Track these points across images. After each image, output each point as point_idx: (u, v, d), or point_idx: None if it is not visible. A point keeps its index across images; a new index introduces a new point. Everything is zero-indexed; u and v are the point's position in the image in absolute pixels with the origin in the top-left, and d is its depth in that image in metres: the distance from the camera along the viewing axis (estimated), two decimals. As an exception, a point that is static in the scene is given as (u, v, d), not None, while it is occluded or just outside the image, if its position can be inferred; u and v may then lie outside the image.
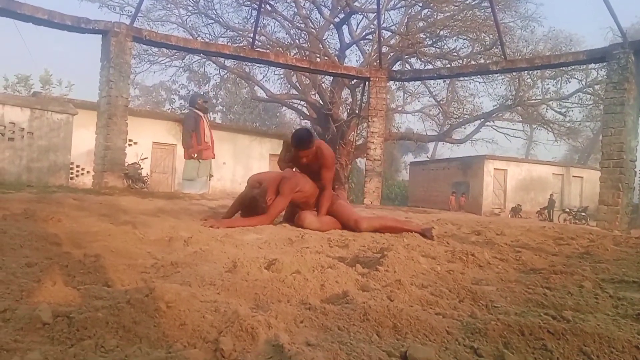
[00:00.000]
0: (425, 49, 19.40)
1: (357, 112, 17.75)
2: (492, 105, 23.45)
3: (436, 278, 2.02)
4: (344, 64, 18.01)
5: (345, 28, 20.58)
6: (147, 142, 17.88)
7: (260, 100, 25.37)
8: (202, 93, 22.17)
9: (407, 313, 1.26)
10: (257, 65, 18.51)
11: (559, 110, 24.41)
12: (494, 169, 26.27)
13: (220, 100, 34.16)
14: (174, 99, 35.55)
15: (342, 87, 20.43)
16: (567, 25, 68.24)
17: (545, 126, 24.58)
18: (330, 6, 20.54)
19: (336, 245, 2.98)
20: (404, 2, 19.52)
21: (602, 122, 9.71)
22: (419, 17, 19.71)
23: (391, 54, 19.44)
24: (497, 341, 1.17)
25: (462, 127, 24.66)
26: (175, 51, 17.75)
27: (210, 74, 25.45)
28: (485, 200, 25.82)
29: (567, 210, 23.82)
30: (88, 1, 18.60)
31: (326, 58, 18.37)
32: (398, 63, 19.63)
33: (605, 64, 9.85)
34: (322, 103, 20.73)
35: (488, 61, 16.39)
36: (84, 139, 13.02)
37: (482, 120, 23.60)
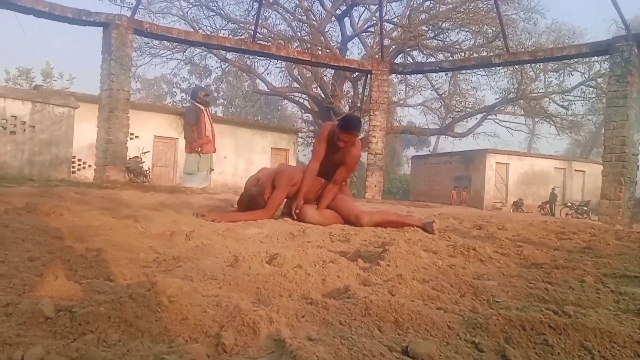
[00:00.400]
0: (428, 41, 19.34)
1: (358, 105, 17.71)
2: (494, 99, 23.45)
3: (437, 272, 2.02)
4: (346, 57, 17.95)
5: (347, 20, 20.53)
6: (148, 135, 17.88)
7: (262, 94, 25.35)
8: (203, 86, 22.13)
9: (408, 308, 1.26)
10: (259, 58, 18.50)
11: (561, 103, 24.35)
12: (496, 162, 26.23)
13: (221, 93, 34.15)
14: (175, 92, 35.62)
15: (344, 80, 20.39)
16: (570, 18, 67.91)
17: (547, 120, 24.52)
18: (332, -2, 20.48)
19: (338, 239, 2.98)
20: (406, -6, 19.44)
21: (605, 115, 9.68)
22: (421, 9, 19.64)
23: (393, 47, 19.38)
24: (499, 336, 1.17)
25: (464, 120, 24.63)
26: (176, 44, 17.73)
27: (212, 66, 25.47)
28: (487, 194, 25.80)
29: (569, 204, 23.81)
30: (89, -6, 18.57)
31: (328, 51, 18.32)
32: (400, 56, 19.57)
33: (608, 56, 9.80)
34: (323, 96, 20.70)
35: (490, 54, 16.33)
36: (85, 132, 13.03)
37: (484, 113, 23.55)
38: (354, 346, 1.03)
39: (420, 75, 20.94)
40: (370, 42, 20.18)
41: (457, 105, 22.74)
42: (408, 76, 20.72)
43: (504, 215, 6.94)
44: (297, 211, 3.92)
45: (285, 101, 29.48)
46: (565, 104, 24.28)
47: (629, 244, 3.54)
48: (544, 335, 1.17)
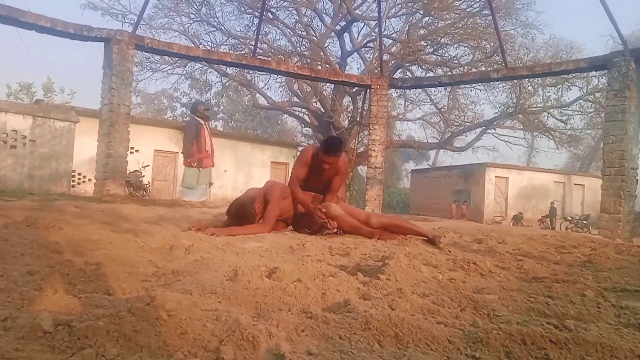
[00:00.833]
0: (426, 56, 19.48)
1: (358, 119, 17.78)
2: (493, 113, 23.51)
3: (438, 287, 2.01)
4: (345, 72, 18.07)
5: (346, 36, 20.71)
6: (148, 149, 17.93)
7: (262, 108, 25.46)
8: (203, 101, 22.25)
9: (408, 322, 1.26)
10: (259, 73, 18.60)
11: (560, 117, 24.43)
12: (495, 176, 26.26)
13: (221, 107, 34.33)
14: (175, 106, 35.76)
15: (343, 94, 20.50)
16: (568, 33, 68.60)
17: (546, 134, 24.57)
18: (332, 14, 20.66)
19: (337, 253, 2.97)
20: (405, 9, 19.63)
21: (603, 129, 9.71)
22: (420, 24, 19.81)
23: (392, 62, 19.52)
24: (499, 350, 1.16)
25: (463, 134, 24.68)
26: (177, 59, 17.85)
27: (212, 81, 25.61)
28: (486, 208, 25.78)
29: (569, 218, 23.78)
30: (91, 9, 18.80)
31: (327, 66, 18.45)
32: (399, 71, 19.71)
33: (606, 71, 9.86)
34: (323, 111, 20.79)
35: (489, 69, 16.44)
36: (85, 146, 13.05)
37: (483, 127, 23.62)
38: (354, 361, 1.02)
39: (419, 90, 21.04)
40: (369, 57, 20.32)
41: (456, 120, 22.81)
42: (407, 91, 20.84)
43: (504, 229, 6.92)
44: (323, 210, 3.96)
45: (285, 115, 29.64)
46: (564, 118, 24.37)
47: (629, 257, 3.53)
48: (544, 349, 1.16)
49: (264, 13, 15.27)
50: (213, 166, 8.36)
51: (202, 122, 8.01)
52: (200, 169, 7.98)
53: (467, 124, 22.82)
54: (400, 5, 19.47)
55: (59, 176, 11.57)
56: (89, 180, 14.96)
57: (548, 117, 24.30)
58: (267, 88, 24.35)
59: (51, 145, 11.44)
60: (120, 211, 4.59)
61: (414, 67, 19.93)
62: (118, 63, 9.40)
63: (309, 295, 1.60)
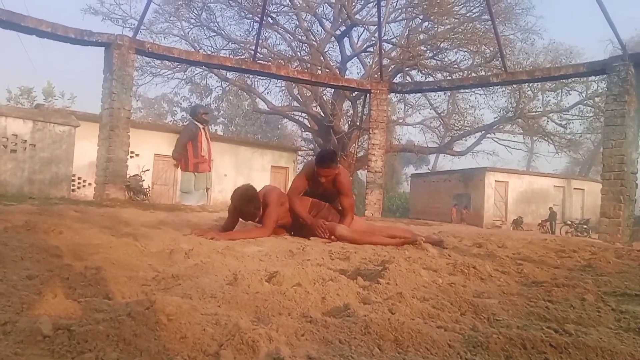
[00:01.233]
0: (426, 61, 19.53)
1: (358, 124, 17.81)
2: (492, 118, 23.57)
3: (437, 291, 2.01)
4: (345, 76, 18.11)
5: (346, 40, 20.78)
6: (148, 154, 17.93)
7: (262, 112, 25.51)
8: (203, 105, 22.27)
9: (408, 326, 1.26)
10: (259, 77, 18.64)
11: (559, 122, 24.47)
12: (495, 181, 26.26)
13: (222, 112, 34.38)
14: (175, 111, 35.86)
15: (343, 99, 20.54)
16: (567, 38, 68.88)
17: (545, 138, 24.60)
18: (332, 19, 20.73)
19: (337, 257, 2.97)
20: (404, 14, 19.70)
21: (603, 134, 9.72)
22: (420, 29, 19.88)
23: (392, 66, 19.56)
24: (499, 355, 1.16)
25: (463, 139, 24.73)
26: (177, 63, 17.89)
27: (212, 86, 25.66)
28: (486, 212, 25.77)
29: (569, 222, 23.76)
30: (91, 14, 18.87)
31: (327, 70, 18.50)
32: (399, 75, 19.75)
33: (605, 76, 9.87)
34: (323, 115, 20.82)
35: (488, 73, 16.47)
36: (85, 151, 13.05)
37: (482, 132, 23.66)
38: (353, 365, 1.02)
39: (419, 95, 21.09)
40: (369, 62, 20.38)
41: (456, 124, 22.86)
42: (407, 95, 20.89)
43: (504, 234, 6.92)
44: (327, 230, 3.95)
45: (285, 120, 29.64)
46: (564, 122, 24.41)
47: (629, 262, 3.53)
48: (544, 354, 1.16)
49: (264, 18, 15.32)
50: (209, 171, 8.33)
51: (200, 126, 8.00)
52: (195, 173, 7.96)
53: (466, 128, 22.86)
54: (400, 10, 19.57)
55: (59, 180, 11.57)
56: (89, 184, 14.96)
57: (548, 121, 24.38)
58: (267, 92, 24.50)
59: (51, 149, 11.45)
60: (120, 215, 4.59)
61: (413, 72, 19.99)
62: (118, 68, 9.43)
63: (308, 300, 1.60)
